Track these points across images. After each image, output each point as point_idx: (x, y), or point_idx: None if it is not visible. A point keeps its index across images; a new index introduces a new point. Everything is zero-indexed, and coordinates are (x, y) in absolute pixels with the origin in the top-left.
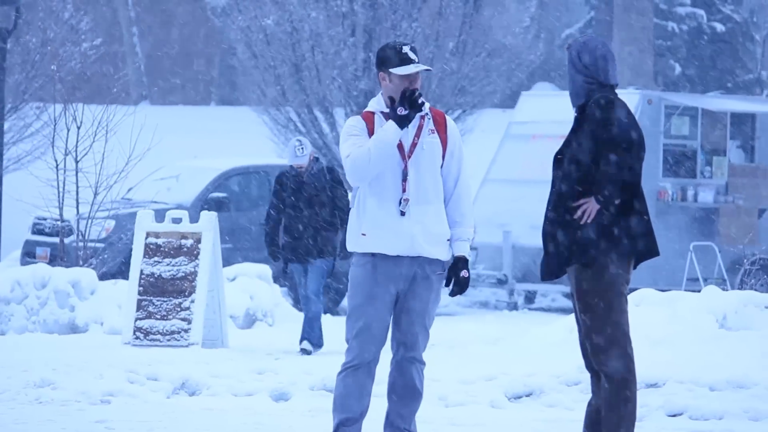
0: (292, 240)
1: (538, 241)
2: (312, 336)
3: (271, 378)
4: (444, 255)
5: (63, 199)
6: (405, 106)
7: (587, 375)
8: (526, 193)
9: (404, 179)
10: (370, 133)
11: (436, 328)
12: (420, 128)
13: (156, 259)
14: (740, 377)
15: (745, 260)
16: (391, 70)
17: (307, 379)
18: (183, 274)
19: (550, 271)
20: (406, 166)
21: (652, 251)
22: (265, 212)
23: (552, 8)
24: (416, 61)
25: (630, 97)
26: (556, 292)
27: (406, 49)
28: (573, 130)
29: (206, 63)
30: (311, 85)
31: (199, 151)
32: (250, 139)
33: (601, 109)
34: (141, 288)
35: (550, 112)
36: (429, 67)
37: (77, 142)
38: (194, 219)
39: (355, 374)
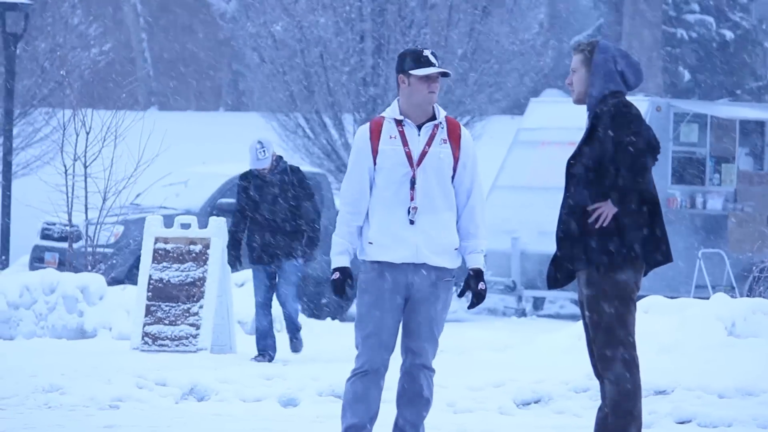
0: (257, 243)
1: (546, 248)
2: (269, 346)
3: (280, 384)
4: (451, 263)
5: (72, 205)
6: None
7: (596, 382)
8: (534, 200)
9: (412, 187)
10: (373, 141)
11: (444, 335)
12: (432, 137)
13: (165, 264)
14: (749, 384)
15: (754, 267)
16: (410, 71)
17: (315, 385)
18: (191, 280)
19: (556, 279)
20: (414, 175)
21: (664, 258)
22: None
23: (561, 15)
24: (437, 65)
25: (639, 103)
26: (565, 299)
27: (427, 52)
28: (588, 134)
29: (215, 69)
30: (320, 90)
31: (208, 156)
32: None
33: (621, 113)
34: (149, 293)
35: (559, 119)
36: (448, 71)
37: (86, 147)
38: (203, 224)
39: (364, 381)
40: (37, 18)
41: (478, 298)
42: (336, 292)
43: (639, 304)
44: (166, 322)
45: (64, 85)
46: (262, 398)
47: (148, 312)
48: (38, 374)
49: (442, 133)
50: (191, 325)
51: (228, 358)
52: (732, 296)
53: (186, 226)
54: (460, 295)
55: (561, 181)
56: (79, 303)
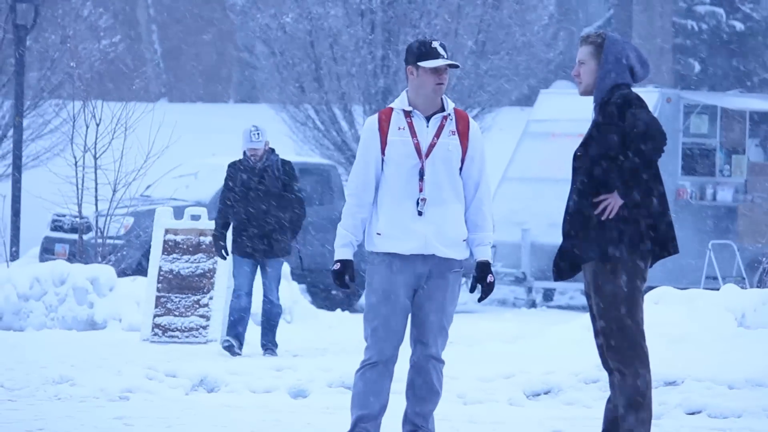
0: (242, 235)
1: (556, 239)
2: (239, 334)
3: (290, 375)
4: (459, 255)
5: (82, 196)
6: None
7: (606, 373)
8: (544, 192)
9: (421, 179)
10: (382, 133)
11: (455, 326)
12: (441, 128)
13: (175, 256)
14: (759, 375)
15: (764, 258)
16: (419, 63)
17: (325, 376)
18: (201, 271)
19: (563, 271)
20: (422, 166)
21: (671, 249)
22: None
23: (571, 6)
24: (445, 56)
25: (649, 95)
26: (575, 290)
27: (435, 44)
28: (594, 126)
29: (225, 60)
30: (330, 82)
31: (218, 148)
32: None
33: (627, 104)
34: (159, 285)
35: (569, 110)
36: (457, 63)
37: (96, 139)
38: (213, 216)
39: (374, 372)
40: (47, 10)
41: (487, 290)
42: (336, 283)
43: (649, 295)
44: (176, 313)
45: (74, 77)
46: (272, 389)
47: (158, 303)
48: (48, 366)
49: (451, 125)
50: (201, 316)
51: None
52: (742, 287)
53: (196, 217)
54: (472, 290)
55: (570, 172)
56: (89, 294)
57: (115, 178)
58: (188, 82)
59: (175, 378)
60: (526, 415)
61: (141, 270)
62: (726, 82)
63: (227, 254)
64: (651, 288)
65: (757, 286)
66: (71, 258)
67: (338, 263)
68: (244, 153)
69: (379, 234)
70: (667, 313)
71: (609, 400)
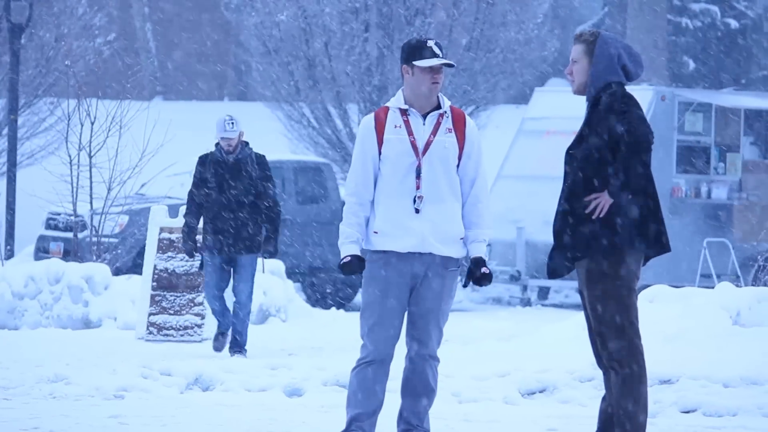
0: (213, 230)
1: (551, 237)
2: (243, 339)
3: (285, 373)
4: (456, 253)
5: (76, 195)
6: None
7: (601, 371)
8: (539, 189)
9: (418, 176)
10: (379, 131)
11: (449, 325)
12: (437, 126)
13: (169, 254)
14: (754, 374)
15: (759, 256)
16: (414, 62)
17: (320, 375)
18: (196, 270)
19: (555, 269)
20: (419, 164)
21: (663, 247)
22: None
23: (566, 4)
24: (440, 55)
25: (644, 93)
26: (570, 289)
27: (430, 43)
28: (586, 124)
29: (220, 58)
30: (325, 80)
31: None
32: (264, 135)
33: (618, 102)
34: (154, 283)
35: (563, 108)
36: (452, 62)
37: (91, 137)
38: None
39: (369, 370)
40: (41, 8)
41: (482, 280)
42: (349, 273)
43: (644, 293)
44: (171, 312)
45: (69, 75)
46: (267, 388)
47: (153, 302)
48: (43, 364)
49: (447, 123)
50: (196, 315)
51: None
52: (737, 285)
53: None
54: (465, 285)
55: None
56: (84, 293)
57: (110, 176)
58: (183, 81)
59: (170, 376)
60: (521, 414)
61: (136, 268)
62: (721, 80)
63: (197, 253)
64: (646, 286)
65: (752, 284)
66: (66, 256)
67: (347, 257)
68: (217, 145)
69: (376, 232)
70: (662, 311)
71: (604, 399)
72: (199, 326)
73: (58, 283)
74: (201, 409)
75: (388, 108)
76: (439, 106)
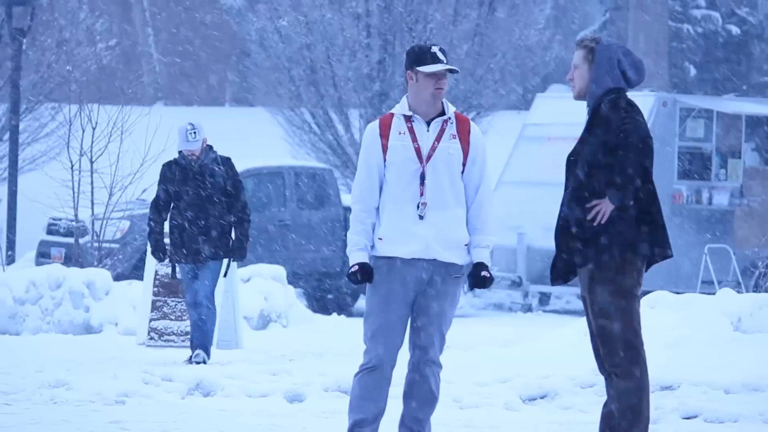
0: (180, 238)
1: (552, 243)
2: (206, 343)
3: (286, 379)
4: (460, 259)
5: (78, 200)
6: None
7: (602, 377)
8: (540, 195)
9: (422, 183)
10: (383, 138)
11: (450, 330)
12: (441, 132)
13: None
14: (755, 380)
15: (760, 263)
16: (418, 68)
17: (321, 381)
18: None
19: (558, 275)
20: (423, 170)
21: (664, 253)
22: (272, 213)
23: (567, 10)
24: (444, 61)
25: (645, 99)
26: (571, 295)
27: (435, 49)
28: (586, 131)
29: (221, 64)
30: (326, 86)
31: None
32: (265, 141)
33: (618, 109)
34: (155, 289)
35: (564, 114)
36: (456, 68)
37: (92, 142)
38: None
39: (372, 376)
40: (43, 13)
41: (483, 282)
42: (355, 282)
43: (645, 299)
44: (173, 317)
45: (71, 81)
46: (268, 394)
47: (154, 307)
48: (44, 369)
49: (452, 129)
50: None
51: (234, 353)
52: (738, 291)
53: None
54: (470, 289)
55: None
56: (85, 298)
57: (111, 181)
58: (184, 86)
59: (172, 382)
60: (522, 420)
61: (137, 274)
62: (722, 86)
63: (165, 257)
64: (647, 292)
65: (753, 291)
66: (67, 262)
67: (355, 265)
68: (180, 152)
69: (380, 239)
70: (664, 317)
71: (605, 405)
72: None
73: (59, 288)
74: (202, 415)
75: (392, 114)
76: (443, 112)
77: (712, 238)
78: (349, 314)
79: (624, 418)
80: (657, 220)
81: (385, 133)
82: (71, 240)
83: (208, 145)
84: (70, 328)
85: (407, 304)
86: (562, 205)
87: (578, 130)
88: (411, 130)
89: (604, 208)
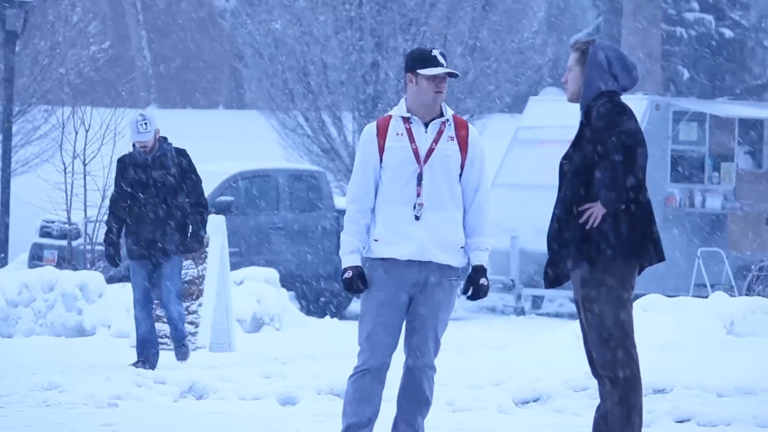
0: (135, 235)
1: (545, 246)
2: (150, 355)
3: (279, 382)
4: (456, 262)
5: (71, 202)
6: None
7: (595, 381)
8: (533, 198)
9: (419, 184)
10: (380, 140)
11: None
12: (439, 134)
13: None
14: (748, 383)
15: (753, 266)
16: (418, 71)
17: (314, 383)
18: (190, 278)
19: (552, 279)
20: (421, 171)
21: (657, 257)
22: (265, 216)
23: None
24: (445, 65)
25: (638, 102)
26: (564, 298)
27: (435, 52)
28: (579, 134)
29: (214, 66)
30: (319, 89)
31: (207, 154)
32: (258, 143)
33: (609, 112)
34: None
35: (558, 117)
36: (456, 72)
37: (85, 145)
38: None
39: (366, 379)
40: (36, 16)
41: (479, 291)
42: (349, 290)
43: (638, 302)
44: (165, 320)
45: (64, 83)
46: (261, 396)
47: None
48: (37, 372)
49: (450, 131)
50: (190, 323)
51: (227, 356)
52: (731, 295)
53: None
54: (465, 291)
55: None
56: (78, 301)
57: (104, 184)
58: (177, 89)
59: (164, 385)
60: (515, 423)
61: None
62: (715, 89)
63: (119, 262)
64: (640, 295)
65: (746, 294)
66: (60, 264)
67: (348, 270)
68: (134, 145)
69: (376, 240)
70: (656, 320)
71: (598, 408)
72: (193, 334)
73: (52, 291)
74: (195, 418)
75: (390, 117)
76: (441, 115)
77: (705, 241)
78: (342, 317)
79: (617, 422)
80: (649, 223)
81: (382, 134)
82: (64, 242)
83: (161, 137)
84: (62, 330)
85: (402, 307)
86: (554, 209)
87: (572, 133)
88: (409, 132)
89: (596, 212)
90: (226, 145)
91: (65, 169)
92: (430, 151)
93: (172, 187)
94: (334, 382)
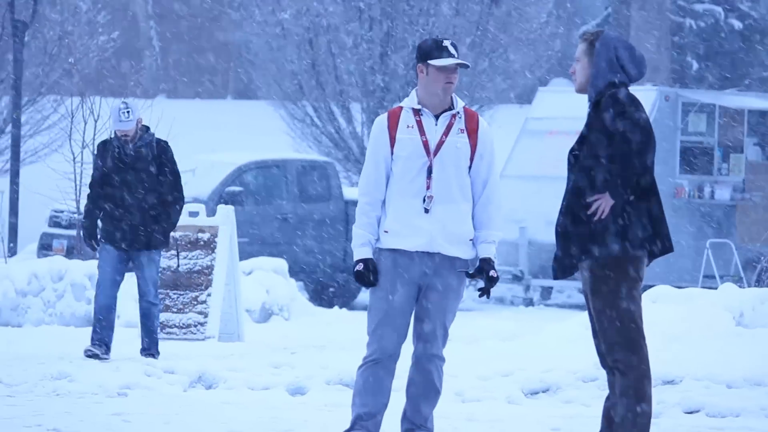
0: (113, 224)
1: (553, 237)
2: (155, 335)
3: (288, 372)
4: (465, 254)
5: (80, 192)
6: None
7: (604, 371)
8: (542, 189)
9: (429, 176)
10: (391, 131)
11: (452, 324)
12: (450, 126)
13: (173, 252)
14: (757, 375)
15: (762, 258)
16: (429, 61)
17: (323, 374)
18: (200, 268)
19: (561, 270)
20: (431, 164)
21: (666, 248)
22: (275, 206)
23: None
24: (456, 56)
25: (647, 93)
26: (573, 288)
27: (446, 43)
28: (587, 125)
29: (223, 57)
30: (328, 79)
31: (216, 144)
32: (267, 134)
33: (618, 103)
34: None
35: (566, 108)
36: (467, 63)
37: (94, 135)
38: (211, 213)
39: (375, 369)
40: (45, 6)
41: (488, 283)
42: (361, 283)
43: (647, 294)
44: (174, 310)
45: (72, 73)
46: (270, 386)
47: None
48: (46, 362)
49: (460, 123)
50: (199, 313)
51: (236, 346)
52: (740, 286)
53: (194, 214)
54: (471, 277)
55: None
56: (87, 290)
57: None
58: (186, 79)
59: (174, 374)
60: (524, 414)
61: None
62: (724, 81)
63: (97, 246)
64: (649, 287)
65: (755, 285)
66: (69, 254)
67: (360, 263)
68: (115, 133)
69: (386, 232)
70: (665, 312)
71: (607, 399)
72: (202, 324)
73: (61, 280)
74: (204, 407)
75: (401, 108)
76: (452, 107)
77: (713, 232)
78: (351, 307)
79: (626, 413)
80: (658, 214)
81: (393, 125)
82: (73, 232)
83: (144, 126)
84: (72, 320)
85: (411, 297)
86: (563, 200)
87: (580, 124)
88: (419, 124)
89: (604, 203)
90: (235, 135)
91: (74, 159)
92: (440, 143)
93: (149, 178)
94: (343, 372)
